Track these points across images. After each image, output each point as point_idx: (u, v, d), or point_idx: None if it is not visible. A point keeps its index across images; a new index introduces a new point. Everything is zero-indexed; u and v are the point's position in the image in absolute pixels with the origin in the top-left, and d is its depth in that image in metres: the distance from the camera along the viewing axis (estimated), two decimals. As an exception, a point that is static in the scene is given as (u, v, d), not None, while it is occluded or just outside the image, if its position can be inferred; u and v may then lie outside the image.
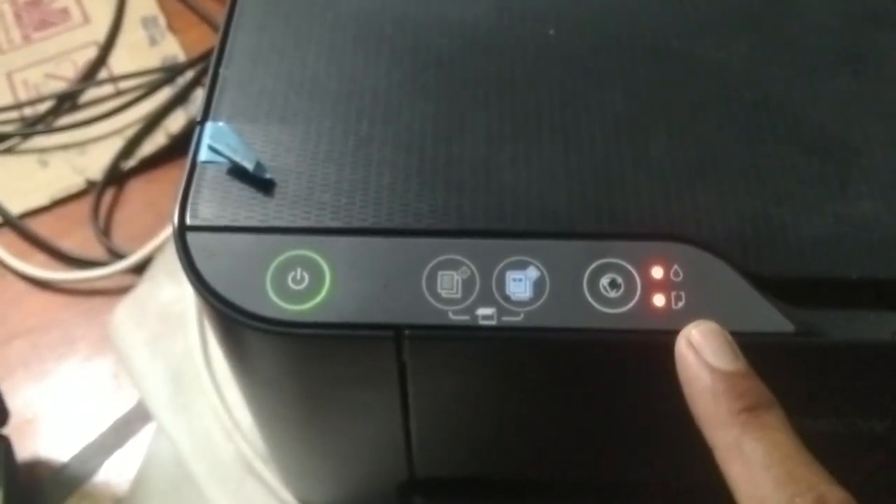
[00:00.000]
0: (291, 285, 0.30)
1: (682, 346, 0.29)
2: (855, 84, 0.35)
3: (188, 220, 0.31)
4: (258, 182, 0.32)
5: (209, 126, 0.33)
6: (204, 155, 0.33)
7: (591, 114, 0.34)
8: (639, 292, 0.30)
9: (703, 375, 0.28)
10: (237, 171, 0.32)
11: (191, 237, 0.31)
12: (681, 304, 0.30)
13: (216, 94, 0.34)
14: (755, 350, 0.30)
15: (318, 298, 0.30)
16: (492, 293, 0.30)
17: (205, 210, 0.31)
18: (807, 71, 0.35)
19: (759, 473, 0.26)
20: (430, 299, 0.30)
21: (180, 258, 0.31)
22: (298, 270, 0.30)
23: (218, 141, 0.33)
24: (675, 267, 0.30)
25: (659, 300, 0.30)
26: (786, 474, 0.26)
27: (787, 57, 0.36)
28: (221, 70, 0.35)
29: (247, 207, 0.31)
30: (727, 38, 0.36)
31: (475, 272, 0.30)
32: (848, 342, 0.30)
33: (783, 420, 0.27)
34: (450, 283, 0.30)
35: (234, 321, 0.30)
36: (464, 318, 0.29)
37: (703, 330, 0.29)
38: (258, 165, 0.32)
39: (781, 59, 0.35)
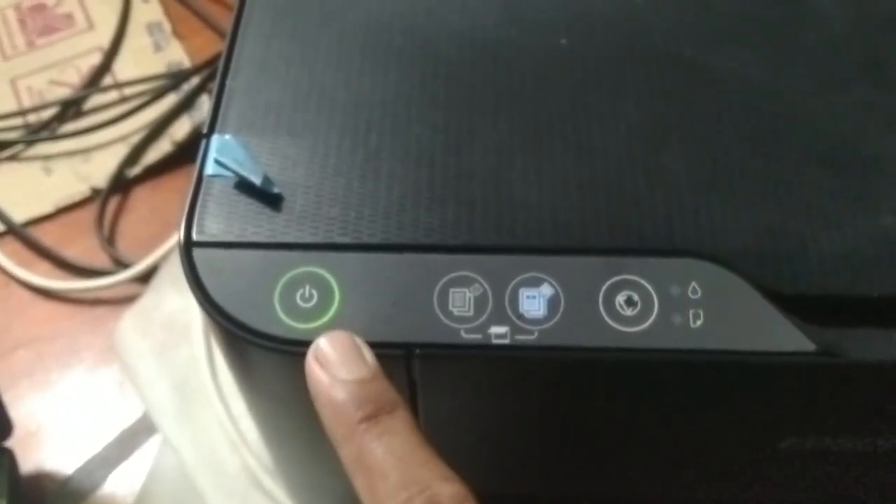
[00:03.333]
0: (300, 303, 0.29)
1: (308, 360, 0.28)
2: (874, 94, 0.34)
3: (194, 236, 0.31)
4: (265, 197, 0.31)
5: (215, 139, 0.33)
6: (210, 169, 0.32)
7: (605, 125, 0.33)
8: (656, 310, 0.29)
9: (325, 389, 0.27)
10: (244, 186, 0.31)
11: (197, 253, 0.30)
12: (699, 322, 0.29)
13: (223, 105, 0.34)
14: (775, 370, 0.29)
15: (328, 316, 0.29)
16: (505, 311, 0.29)
17: (211, 225, 0.31)
18: (825, 81, 0.34)
19: (377, 483, 0.26)
20: (442, 317, 0.29)
21: (186, 275, 0.30)
22: (307, 288, 0.30)
23: (224, 154, 0.32)
24: (693, 284, 0.29)
25: (677, 318, 0.29)
26: (400, 479, 0.25)
27: (804, 67, 0.35)
28: (228, 81, 0.34)
29: (254, 223, 0.31)
30: (743, 48, 0.35)
31: (488, 289, 0.30)
32: (870, 362, 0.29)
33: (405, 421, 0.27)
34: (461, 301, 0.29)
35: (241, 340, 0.29)
36: (476, 337, 0.29)
37: (330, 340, 0.28)
38: (265, 179, 0.31)
39: (799, 69, 0.35)
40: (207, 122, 0.33)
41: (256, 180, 0.31)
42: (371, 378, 0.27)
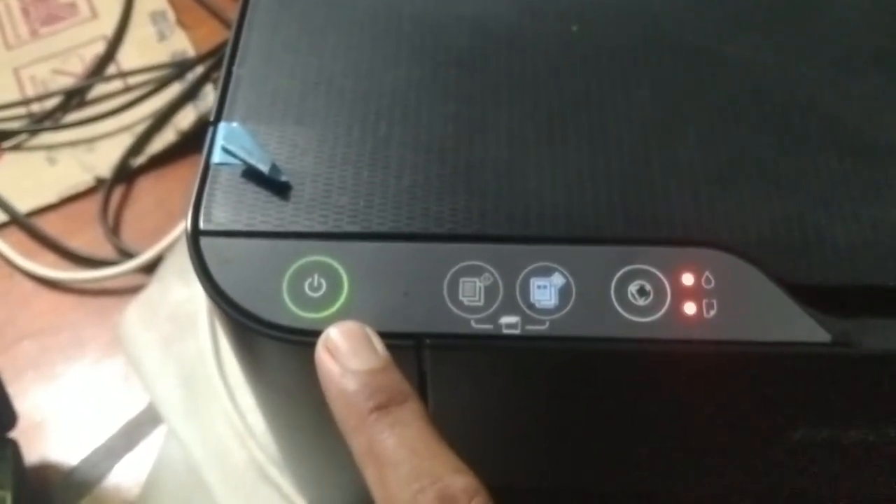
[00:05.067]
0: (308, 292, 0.29)
1: (319, 350, 0.28)
2: (890, 82, 0.34)
3: (202, 225, 0.30)
4: (273, 185, 0.31)
5: (223, 127, 0.32)
6: (217, 157, 0.32)
7: (618, 114, 0.33)
8: (669, 300, 0.29)
9: (336, 379, 0.27)
10: (252, 174, 0.31)
11: (204, 242, 0.30)
12: (712, 312, 0.29)
13: (230, 93, 0.33)
14: (790, 360, 0.29)
15: (336, 306, 0.29)
16: (516, 301, 0.29)
17: (219, 214, 0.30)
18: (840, 70, 0.34)
19: (388, 474, 0.25)
20: (452, 307, 0.29)
21: (194, 264, 0.30)
22: (315, 277, 0.29)
23: (232, 142, 0.32)
24: (707, 274, 0.29)
25: (690, 308, 0.29)
26: (411, 470, 0.25)
27: (819, 55, 0.34)
28: (235, 69, 0.34)
29: (262, 211, 0.30)
30: (757, 36, 0.35)
31: (498, 279, 0.29)
32: (886, 352, 0.29)
33: (416, 413, 0.26)
34: (472, 291, 0.29)
35: (249, 329, 0.29)
36: (486, 327, 0.28)
37: (341, 330, 0.28)
38: (273, 168, 0.31)
39: (814, 57, 0.34)
40: (214, 109, 0.33)
41: (264, 168, 0.31)
42: (382, 368, 0.27)
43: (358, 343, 0.27)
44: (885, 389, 0.31)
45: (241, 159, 0.31)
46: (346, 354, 0.27)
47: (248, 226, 0.30)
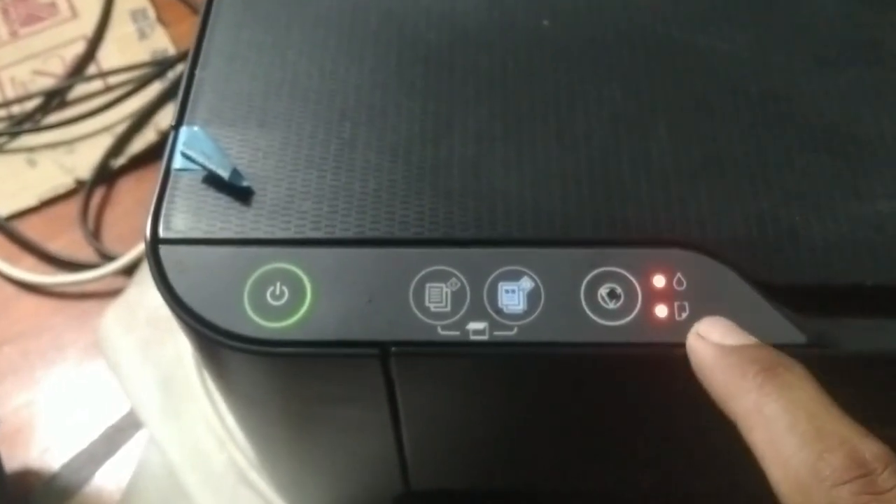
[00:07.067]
0: (270, 301, 0.28)
1: (691, 341, 0.27)
2: (868, 75, 0.33)
3: (161, 233, 0.30)
4: (234, 191, 0.30)
5: (183, 131, 0.32)
6: (178, 162, 0.31)
7: (588, 111, 0.32)
8: (640, 303, 0.28)
9: (713, 353, 0.26)
10: (212, 180, 0.30)
11: (164, 251, 0.29)
12: (685, 314, 0.28)
13: (191, 96, 0.33)
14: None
15: (299, 315, 0.28)
16: (483, 306, 0.28)
17: (178, 221, 0.30)
18: (817, 61, 0.33)
19: (782, 435, 0.23)
20: (418, 314, 0.28)
21: (153, 273, 0.29)
22: (278, 285, 0.28)
23: (192, 147, 0.31)
24: (679, 275, 0.28)
25: (661, 311, 0.28)
26: (812, 431, 0.23)
27: (795, 47, 0.33)
28: (197, 71, 0.33)
29: (223, 218, 0.30)
30: (732, 28, 0.34)
31: (465, 284, 0.28)
32: (863, 353, 0.28)
33: (806, 378, 0.25)
34: (438, 297, 0.28)
35: (209, 340, 0.28)
36: (453, 334, 0.28)
37: (709, 320, 0.27)
38: (234, 173, 0.30)
39: (790, 49, 0.33)
40: (175, 113, 0.32)
41: (225, 174, 0.30)
42: (759, 345, 0.26)
43: (729, 328, 0.27)
44: (864, 390, 0.30)
45: (200, 164, 0.30)
46: (719, 337, 0.26)
47: (209, 233, 0.29)
